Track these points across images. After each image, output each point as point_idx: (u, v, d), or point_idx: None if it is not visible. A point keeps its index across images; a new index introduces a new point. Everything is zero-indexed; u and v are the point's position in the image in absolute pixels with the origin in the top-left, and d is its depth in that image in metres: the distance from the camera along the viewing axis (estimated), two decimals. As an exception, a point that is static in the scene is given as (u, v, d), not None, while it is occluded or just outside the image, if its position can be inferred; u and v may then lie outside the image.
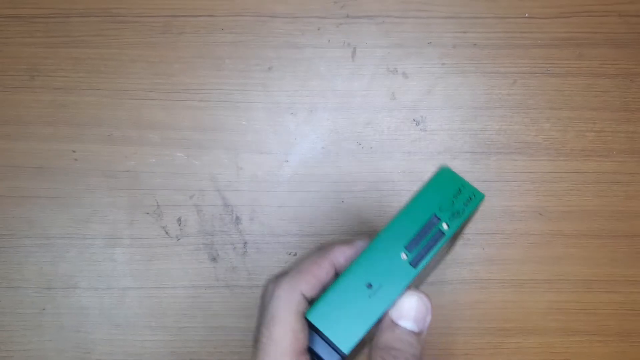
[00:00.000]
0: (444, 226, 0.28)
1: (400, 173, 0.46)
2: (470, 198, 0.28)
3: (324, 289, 0.28)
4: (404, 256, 0.28)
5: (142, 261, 0.45)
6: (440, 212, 0.28)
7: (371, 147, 0.46)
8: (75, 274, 0.45)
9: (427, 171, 0.46)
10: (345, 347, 0.26)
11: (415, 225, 0.28)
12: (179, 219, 0.45)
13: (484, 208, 0.46)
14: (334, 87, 0.46)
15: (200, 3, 0.46)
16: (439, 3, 0.47)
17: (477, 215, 0.46)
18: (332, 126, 0.46)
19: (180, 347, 0.45)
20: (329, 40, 0.46)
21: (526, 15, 0.46)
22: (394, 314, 0.27)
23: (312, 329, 0.27)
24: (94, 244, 0.45)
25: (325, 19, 0.46)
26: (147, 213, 0.45)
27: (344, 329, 0.27)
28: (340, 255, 0.29)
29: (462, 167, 0.46)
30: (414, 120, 0.46)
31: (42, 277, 0.45)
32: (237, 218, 0.45)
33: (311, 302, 0.28)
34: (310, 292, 0.27)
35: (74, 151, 0.46)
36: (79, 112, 0.46)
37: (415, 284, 0.30)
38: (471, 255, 0.45)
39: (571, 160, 0.46)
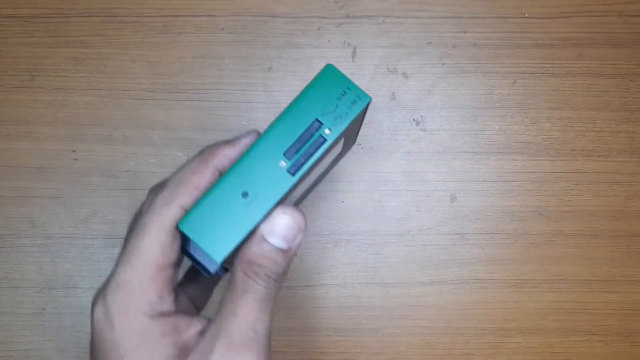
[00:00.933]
0: (326, 131, 0.26)
1: (400, 173, 0.46)
2: (355, 101, 0.27)
3: None
4: (282, 164, 0.26)
5: (142, 261, 0.45)
6: (323, 116, 0.26)
7: (371, 147, 0.46)
8: (76, 274, 0.45)
9: (428, 171, 0.46)
10: (218, 256, 0.26)
11: (295, 131, 0.26)
12: (179, 219, 0.45)
13: (485, 208, 0.46)
14: (334, 87, 0.46)
15: (201, 3, 0.46)
16: (439, 3, 0.47)
17: (478, 215, 0.46)
18: (332, 126, 0.46)
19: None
20: (329, 40, 0.46)
21: (526, 15, 0.46)
22: (264, 228, 0.26)
23: (187, 238, 0.26)
24: (94, 243, 0.45)
25: (325, 18, 0.46)
26: (147, 213, 0.45)
27: (217, 239, 0.26)
28: (224, 158, 0.27)
29: (462, 167, 0.46)
30: (414, 120, 0.46)
31: (42, 277, 0.45)
32: (237, 218, 0.45)
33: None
34: (190, 203, 0.26)
35: (74, 151, 0.46)
36: (79, 112, 0.46)
37: (299, 194, 0.29)
38: (471, 255, 0.45)
39: (571, 160, 0.46)
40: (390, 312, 0.45)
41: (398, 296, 0.45)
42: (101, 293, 0.26)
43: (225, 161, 0.27)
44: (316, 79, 0.27)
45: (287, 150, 0.26)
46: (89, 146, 0.45)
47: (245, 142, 0.27)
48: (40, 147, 0.45)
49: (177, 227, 0.26)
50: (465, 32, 0.46)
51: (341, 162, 0.46)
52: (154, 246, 0.26)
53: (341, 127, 0.26)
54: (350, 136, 0.31)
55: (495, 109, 0.46)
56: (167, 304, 0.26)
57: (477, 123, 0.46)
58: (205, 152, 0.28)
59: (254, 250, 0.26)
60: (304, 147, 0.26)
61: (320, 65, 0.46)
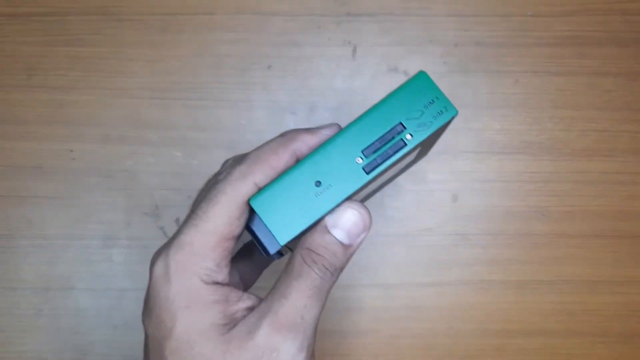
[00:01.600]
0: (408, 136, 0.27)
1: (401, 173, 0.46)
2: (441, 111, 0.27)
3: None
4: (359, 160, 0.27)
5: (140, 262, 0.45)
6: (407, 120, 0.27)
7: (372, 147, 0.46)
8: (73, 275, 0.45)
9: (429, 171, 0.46)
10: (282, 239, 0.26)
11: (377, 130, 0.27)
12: (177, 220, 0.45)
13: (486, 208, 0.45)
14: (335, 85, 0.46)
15: (200, 1, 0.46)
16: (441, 1, 0.46)
17: (479, 216, 0.45)
18: (332, 125, 0.46)
19: (179, 348, 0.44)
20: (329, 39, 0.46)
21: (529, 13, 0.46)
22: (330, 220, 0.27)
23: (255, 214, 0.27)
24: (92, 244, 0.45)
25: (325, 17, 0.46)
26: (145, 213, 0.45)
27: (283, 222, 0.26)
28: (303, 145, 0.28)
29: (463, 167, 0.46)
30: (415, 119, 0.46)
31: (39, 278, 0.45)
32: (237, 218, 0.45)
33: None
34: (264, 181, 0.27)
35: (71, 150, 0.45)
36: (77, 112, 0.45)
37: (367, 192, 0.29)
38: (473, 256, 0.45)
39: (574, 160, 0.46)
40: (391, 314, 0.45)
41: (399, 297, 0.45)
42: (163, 250, 0.27)
43: (303, 147, 0.28)
44: (407, 83, 0.27)
45: (366, 148, 0.27)
46: (86, 146, 0.45)
47: (325, 133, 0.28)
48: (38, 147, 0.45)
49: (247, 202, 0.27)
50: (467, 31, 0.46)
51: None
52: (223, 216, 0.26)
53: (423, 135, 0.27)
54: (426, 146, 0.31)
55: (497, 108, 0.46)
56: (223, 274, 0.27)
57: (479, 122, 0.46)
58: (287, 135, 0.28)
59: (316, 238, 0.27)
60: (383, 147, 0.27)
61: (320, 65, 0.46)
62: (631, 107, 0.46)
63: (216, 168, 0.45)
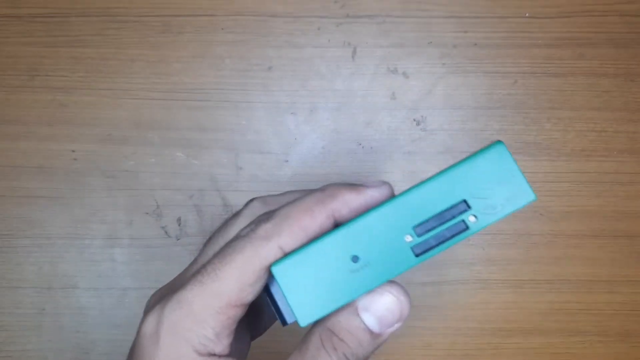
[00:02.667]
0: (471, 218, 0.22)
1: (400, 173, 0.46)
2: (516, 194, 0.22)
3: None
4: (408, 238, 0.22)
5: (142, 261, 0.45)
6: (473, 199, 0.22)
7: (371, 147, 0.46)
8: (75, 274, 0.45)
9: (428, 171, 0.46)
10: (303, 319, 0.22)
11: (436, 205, 0.22)
12: (179, 219, 0.45)
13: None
14: (334, 86, 0.46)
15: (200, 2, 0.46)
16: (440, 3, 0.46)
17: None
18: (332, 126, 0.46)
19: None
20: (329, 40, 0.46)
21: (527, 14, 0.46)
22: (362, 302, 0.23)
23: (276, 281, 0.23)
24: (94, 244, 0.45)
25: (325, 18, 0.46)
26: (147, 213, 0.45)
27: (308, 299, 0.22)
28: (344, 206, 0.23)
29: (462, 167, 0.46)
30: (414, 120, 0.46)
31: (42, 277, 0.45)
32: (237, 218, 0.45)
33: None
34: (291, 245, 0.23)
35: (73, 151, 0.45)
36: (79, 112, 0.46)
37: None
38: (472, 256, 0.45)
39: (572, 160, 0.46)
40: (390, 313, 0.45)
41: (398, 297, 0.45)
42: (160, 302, 0.23)
43: (344, 209, 0.23)
44: (480, 153, 0.22)
45: (420, 225, 0.22)
46: (88, 146, 0.45)
47: (372, 195, 0.24)
48: (40, 147, 0.45)
49: (268, 268, 0.23)
50: (465, 32, 0.46)
51: (341, 162, 0.46)
52: (235, 279, 0.22)
53: (490, 220, 0.22)
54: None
55: (495, 109, 0.46)
56: (221, 346, 0.23)
57: (478, 123, 0.46)
58: (327, 190, 0.24)
59: (341, 320, 0.23)
60: (440, 227, 0.22)
61: (320, 66, 0.46)
62: (629, 107, 0.46)
63: (217, 168, 0.45)
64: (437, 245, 0.22)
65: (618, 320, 0.45)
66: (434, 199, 0.22)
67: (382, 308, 0.23)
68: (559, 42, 0.46)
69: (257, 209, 0.26)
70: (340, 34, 0.46)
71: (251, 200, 0.27)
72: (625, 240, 0.46)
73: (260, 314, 0.29)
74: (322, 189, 0.24)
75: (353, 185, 0.24)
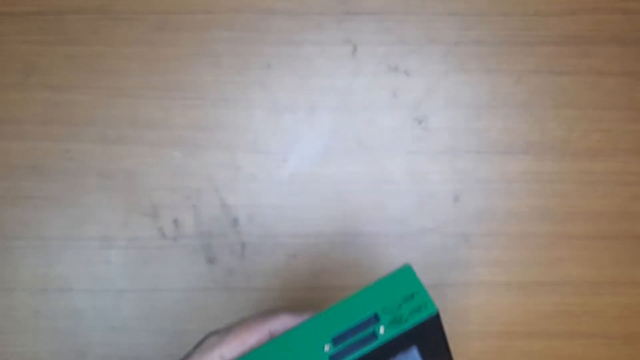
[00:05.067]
0: (381, 329, 0.25)
1: (401, 173, 0.45)
2: (419, 308, 0.25)
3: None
4: (327, 348, 0.26)
5: (138, 263, 0.45)
6: (383, 313, 0.26)
7: (372, 147, 0.46)
8: (70, 276, 0.45)
9: (430, 171, 0.45)
10: None
11: (351, 318, 0.26)
12: (176, 220, 0.45)
13: (488, 208, 0.45)
14: (334, 85, 0.46)
15: (197, 0, 0.46)
16: (442, -1, 0.46)
17: (481, 216, 0.45)
18: (332, 125, 0.46)
19: (177, 350, 0.44)
20: (329, 37, 0.46)
21: (530, 12, 0.46)
22: None
23: None
24: (89, 245, 0.45)
25: (325, 15, 0.46)
26: (143, 214, 0.45)
27: None
28: (281, 325, 0.28)
29: (465, 167, 0.45)
30: (415, 119, 0.46)
31: (37, 279, 0.45)
32: (235, 219, 0.45)
33: None
34: (230, 355, 0.28)
35: (68, 150, 0.45)
36: (74, 111, 0.45)
37: None
38: (475, 257, 0.45)
39: (577, 160, 0.46)
40: (391, 315, 0.45)
41: (399, 299, 0.45)
42: None
43: (280, 327, 0.28)
44: (391, 274, 0.27)
45: (337, 336, 0.26)
46: (83, 146, 0.45)
47: (306, 318, 0.28)
48: (35, 147, 0.45)
49: None
50: (468, 30, 0.46)
51: (342, 162, 0.45)
52: None
53: (396, 330, 0.25)
54: (433, 355, 0.28)
55: (499, 108, 0.46)
56: None
57: (481, 122, 0.46)
58: (268, 312, 0.29)
59: None
60: (353, 338, 0.25)
61: (320, 64, 0.46)
62: (635, 106, 0.46)
63: (215, 168, 0.45)
64: (351, 352, 0.25)
65: (622, 322, 0.45)
66: (351, 313, 0.26)
67: None
68: (563, 40, 0.46)
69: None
70: (340, 31, 0.46)
71: (210, 332, 0.31)
72: (630, 241, 0.45)
73: None
74: (266, 311, 0.29)
75: (294, 312, 0.28)
